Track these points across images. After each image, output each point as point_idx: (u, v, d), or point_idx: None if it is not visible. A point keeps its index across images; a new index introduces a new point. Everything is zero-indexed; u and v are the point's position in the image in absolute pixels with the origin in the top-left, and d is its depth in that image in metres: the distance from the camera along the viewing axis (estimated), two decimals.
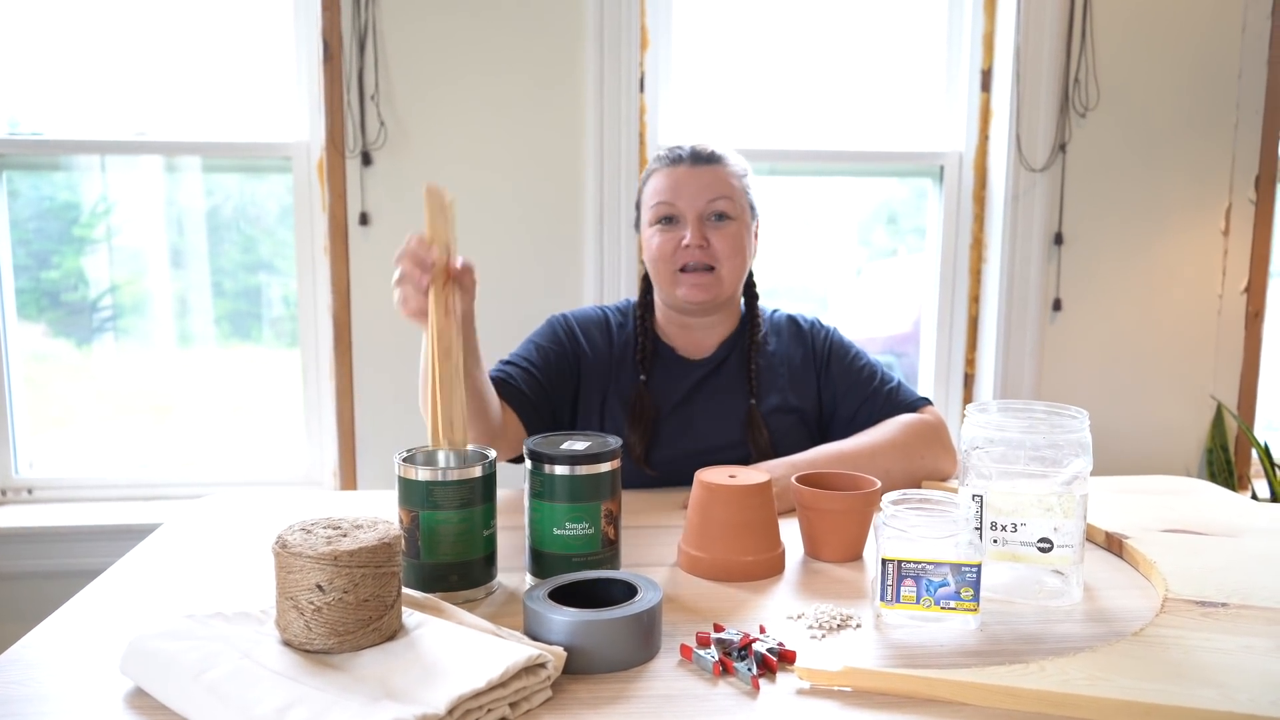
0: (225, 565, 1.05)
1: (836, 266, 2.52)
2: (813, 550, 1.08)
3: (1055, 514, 0.92)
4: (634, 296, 1.54)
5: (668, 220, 1.38)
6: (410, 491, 0.94)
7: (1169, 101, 2.29)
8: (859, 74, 2.38)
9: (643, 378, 1.41)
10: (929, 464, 1.31)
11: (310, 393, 2.33)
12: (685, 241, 1.35)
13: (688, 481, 1.15)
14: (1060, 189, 2.29)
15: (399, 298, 1.07)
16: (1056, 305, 2.33)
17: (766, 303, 1.52)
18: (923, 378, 2.51)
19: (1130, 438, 2.40)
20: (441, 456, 1.01)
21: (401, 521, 0.96)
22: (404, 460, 0.96)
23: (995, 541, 0.95)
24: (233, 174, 2.32)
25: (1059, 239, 2.31)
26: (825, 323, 1.51)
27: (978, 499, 0.95)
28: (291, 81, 2.21)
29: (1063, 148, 2.27)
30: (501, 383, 1.34)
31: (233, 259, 2.35)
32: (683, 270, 1.37)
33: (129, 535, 1.99)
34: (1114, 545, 1.10)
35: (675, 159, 1.39)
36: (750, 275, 1.47)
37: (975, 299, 2.41)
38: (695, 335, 1.46)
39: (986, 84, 2.33)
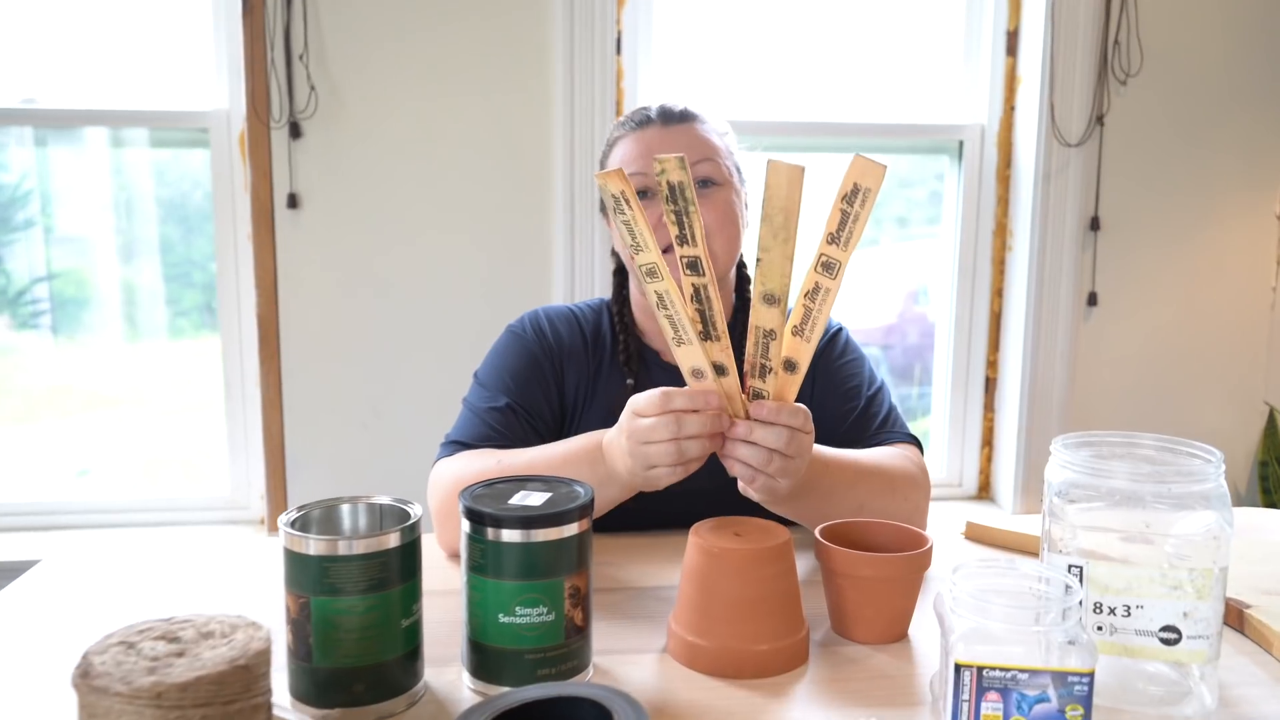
0: (56, 658, 0.81)
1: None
2: (843, 628, 0.86)
3: (1185, 593, 0.70)
4: (607, 293, 1.32)
5: (642, 195, 1.17)
6: (298, 570, 0.71)
7: (1219, 67, 2.12)
8: (866, 35, 2.18)
9: (630, 381, 1.20)
10: (905, 512, 1.09)
11: (234, 404, 2.08)
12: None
13: (674, 508, 0.92)
14: (1097, 167, 2.11)
15: (671, 458, 0.87)
16: (1092, 299, 2.16)
17: None
18: (938, 382, 2.31)
19: None
20: (346, 515, 0.78)
21: (289, 611, 0.72)
22: (289, 526, 0.72)
23: (1100, 629, 0.73)
24: (176, 149, 2.06)
25: (1095, 224, 2.13)
26: (835, 320, 1.31)
27: (1077, 572, 0.72)
28: (207, 39, 1.95)
29: (1100, 120, 2.09)
30: (513, 441, 1.15)
31: (172, 244, 2.10)
32: (666, 251, 1.17)
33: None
34: (1231, 616, 0.88)
35: (642, 120, 1.20)
36: (741, 254, 1.28)
37: (999, 293, 2.22)
38: None
39: (1013, 47, 2.15)
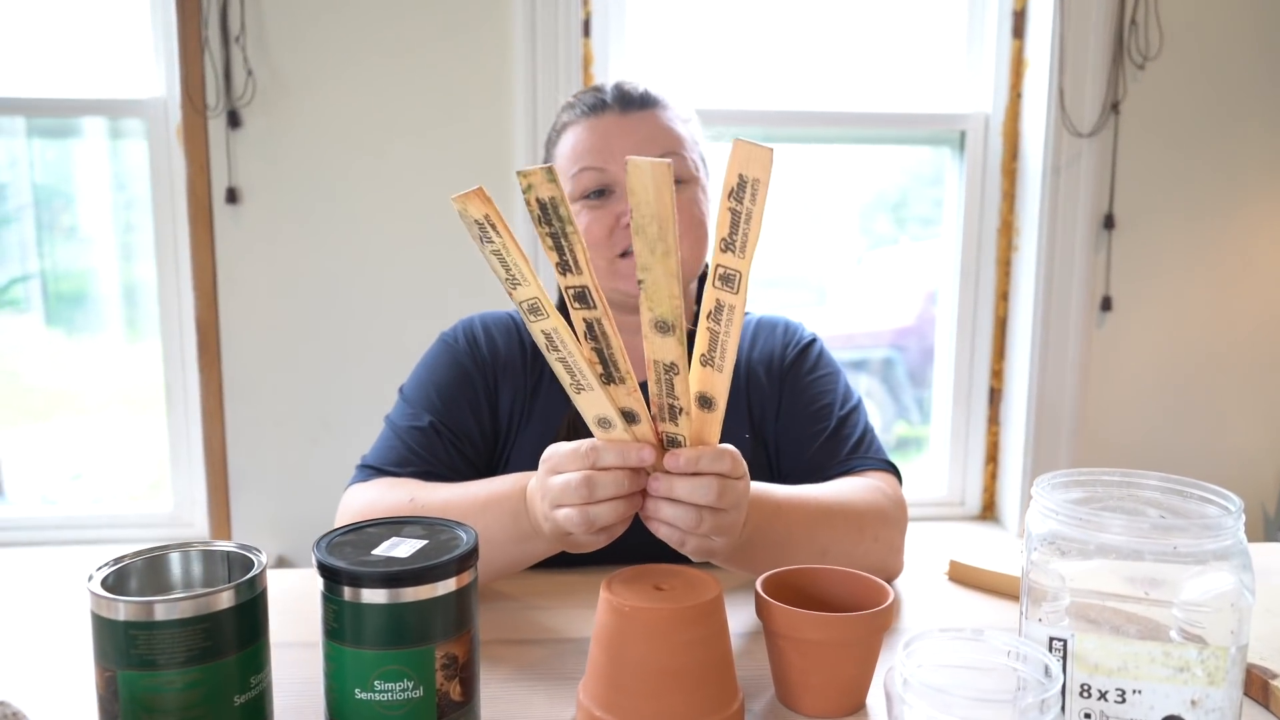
0: None
1: (835, 255, 2.25)
2: (789, 697, 0.75)
3: (1194, 676, 0.58)
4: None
5: (598, 192, 1.06)
6: (103, 637, 0.60)
7: (1247, 50, 2.01)
8: (861, 16, 2.07)
9: None
10: (877, 554, 0.97)
11: (176, 414, 1.98)
12: (626, 220, 1.04)
13: (627, 543, 0.81)
14: (1111, 159, 1.99)
15: (580, 527, 0.76)
16: (1105, 304, 2.05)
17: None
18: (938, 394, 2.19)
19: (1194, 468, 2.08)
20: (175, 567, 0.66)
21: (96, 686, 0.61)
22: (100, 584, 0.61)
23: (1087, 717, 0.61)
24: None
25: (1109, 222, 2.02)
26: (809, 330, 1.19)
27: (1059, 647, 0.60)
28: (144, 21, 1.85)
29: (1115, 108, 1.98)
30: (434, 471, 1.05)
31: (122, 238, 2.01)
32: (624, 255, 1.06)
33: None
34: (1254, 687, 0.76)
35: (596, 105, 1.08)
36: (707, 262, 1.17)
37: (1004, 296, 2.10)
38: (635, 346, 1.15)
39: (1020, 28, 2.03)
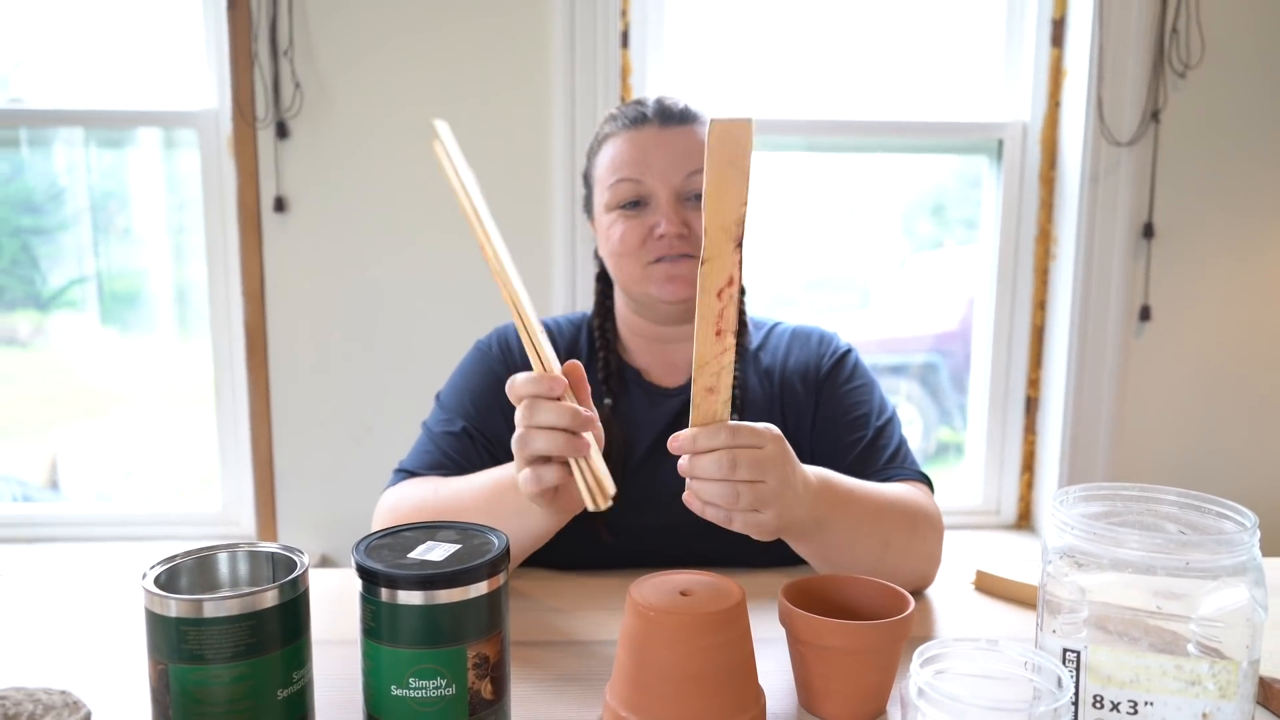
0: None
1: (879, 258, 2.24)
2: (810, 702, 0.76)
3: (1206, 690, 0.59)
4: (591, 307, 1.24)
5: (634, 203, 1.08)
6: (156, 633, 0.63)
7: None
8: (899, 25, 2.05)
9: (607, 401, 1.12)
10: (921, 557, 0.99)
11: (225, 416, 2.03)
12: (660, 230, 1.08)
13: (659, 549, 0.83)
14: (1151, 168, 1.96)
15: (533, 477, 0.82)
16: (1144, 314, 2.01)
17: (776, 314, 1.27)
18: (974, 403, 2.17)
19: (1232, 480, 2.05)
20: (223, 566, 0.70)
21: (150, 679, 0.64)
22: (153, 581, 0.65)
23: None
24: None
25: (1149, 231, 1.98)
26: (844, 340, 1.20)
27: (1073, 659, 0.61)
28: (197, 35, 1.91)
29: (1155, 116, 1.94)
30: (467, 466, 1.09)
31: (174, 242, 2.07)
32: (655, 262, 1.09)
33: None
34: (1271, 697, 0.76)
35: (637, 118, 1.11)
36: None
37: (1041, 305, 2.08)
38: (668, 353, 1.18)
39: (1059, 36, 2.01)
